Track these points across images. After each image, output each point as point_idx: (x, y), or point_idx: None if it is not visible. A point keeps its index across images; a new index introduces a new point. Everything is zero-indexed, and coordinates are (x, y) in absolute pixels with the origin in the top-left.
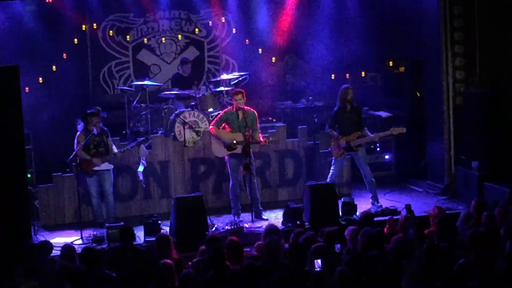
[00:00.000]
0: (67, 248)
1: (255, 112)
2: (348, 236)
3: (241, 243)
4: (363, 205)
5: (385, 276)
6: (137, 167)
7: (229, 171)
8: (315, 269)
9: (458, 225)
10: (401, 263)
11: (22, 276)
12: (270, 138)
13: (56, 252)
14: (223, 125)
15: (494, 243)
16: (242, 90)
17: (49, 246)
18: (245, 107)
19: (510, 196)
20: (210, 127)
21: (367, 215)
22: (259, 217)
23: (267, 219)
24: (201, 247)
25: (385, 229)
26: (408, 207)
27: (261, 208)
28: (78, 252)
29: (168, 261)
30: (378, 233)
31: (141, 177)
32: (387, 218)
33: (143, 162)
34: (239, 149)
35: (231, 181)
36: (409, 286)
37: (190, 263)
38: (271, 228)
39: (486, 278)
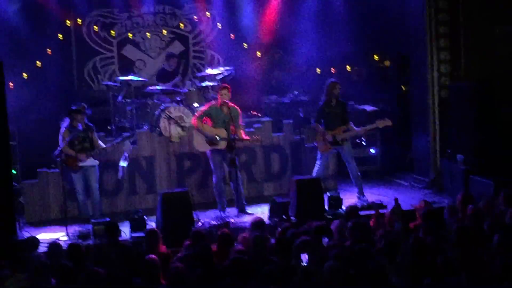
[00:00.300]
0: (54, 246)
1: (239, 109)
2: (335, 230)
3: (232, 236)
4: (349, 199)
5: (372, 269)
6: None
7: (212, 167)
8: (302, 263)
9: (446, 219)
10: (388, 257)
11: (8, 271)
12: (254, 136)
13: (42, 248)
14: (205, 119)
15: (480, 236)
16: (228, 86)
17: (35, 241)
18: (230, 103)
19: (496, 190)
20: (193, 120)
21: (352, 209)
22: (243, 211)
23: (252, 214)
24: (186, 242)
25: (371, 223)
26: (396, 200)
27: (245, 202)
28: (65, 249)
29: (153, 256)
30: (365, 226)
31: (121, 173)
32: (373, 212)
33: (126, 157)
34: (222, 145)
35: (214, 177)
36: (397, 280)
37: (175, 258)
38: (257, 221)
39: (473, 271)
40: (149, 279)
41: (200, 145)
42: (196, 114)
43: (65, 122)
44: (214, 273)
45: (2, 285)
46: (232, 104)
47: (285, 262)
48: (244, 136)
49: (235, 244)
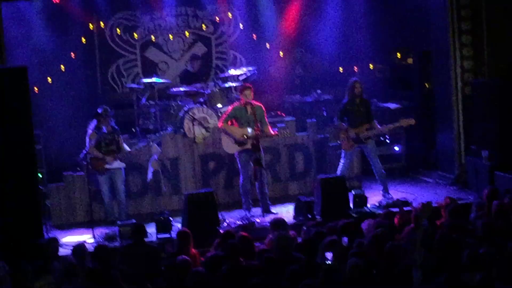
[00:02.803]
0: (78, 248)
1: (263, 107)
2: (365, 229)
3: (252, 238)
4: (374, 197)
5: (397, 268)
6: (149, 165)
7: (239, 167)
8: (327, 262)
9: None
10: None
11: (37, 273)
12: (282, 131)
13: (66, 251)
14: (231, 121)
15: (506, 231)
16: (250, 86)
17: (55, 243)
18: (253, 102)
19: None
20: (219, 123)
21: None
22: (267, 211)
23: (276, 213)
24: (215, 241)
25: (396, 220)
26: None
27: (269, 202)
28: (90, 251)
29: (185, 257)
30: (390, 225)
31: (150, 176)
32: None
33: (155, 160)
34: (249, 144)
35: (241, 176)
36: (420, 277)
37: (202, 259)
38: (277, 221)
39: (502, 267)
40: (180, 280)
41: (229, 147)
42: (221, 117)
43: (92, 125)
44: (240, 271)
45: (25, 282)
46: (256, 102)
47: (309, 260)
48: (272, 132)
49: (259, 244)
